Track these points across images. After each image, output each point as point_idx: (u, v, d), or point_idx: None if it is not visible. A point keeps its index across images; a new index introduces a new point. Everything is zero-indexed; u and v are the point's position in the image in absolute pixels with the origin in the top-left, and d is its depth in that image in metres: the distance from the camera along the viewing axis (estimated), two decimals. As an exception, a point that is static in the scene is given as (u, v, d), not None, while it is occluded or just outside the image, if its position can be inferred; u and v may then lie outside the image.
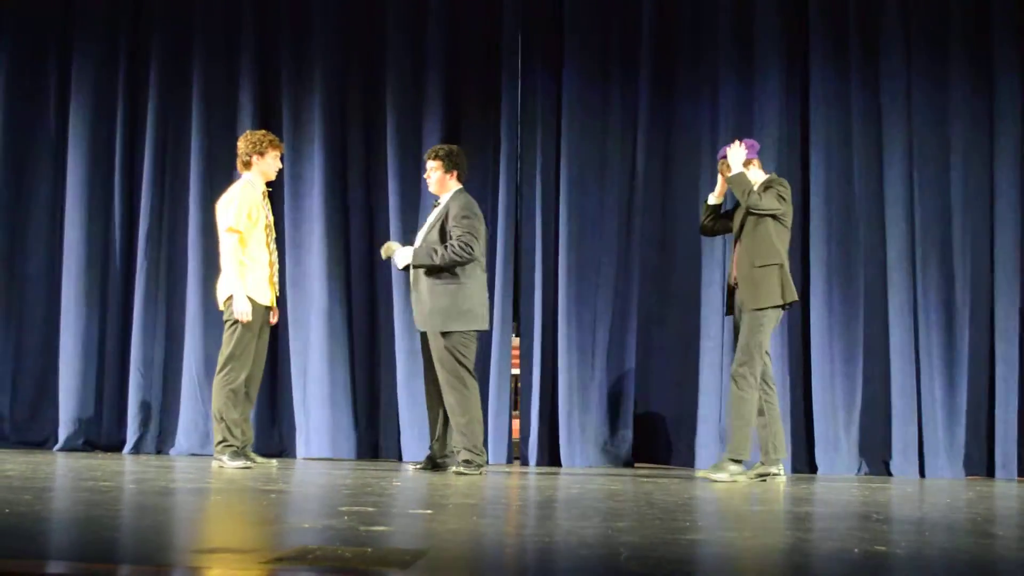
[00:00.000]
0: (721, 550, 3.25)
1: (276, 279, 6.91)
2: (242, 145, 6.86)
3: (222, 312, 6.79)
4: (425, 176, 6.92)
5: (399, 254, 6.71)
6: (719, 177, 6.82)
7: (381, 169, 8.18)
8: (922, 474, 7.57)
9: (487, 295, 6.78)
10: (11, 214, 8.45)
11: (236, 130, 8.11)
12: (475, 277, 6.63)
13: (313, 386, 8.01)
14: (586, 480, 6.30)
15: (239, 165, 6.89)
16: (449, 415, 6.63)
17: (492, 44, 8.21)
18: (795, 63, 7.98)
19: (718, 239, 7.58)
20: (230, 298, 6.65)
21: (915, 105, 7.84)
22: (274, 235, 6.92)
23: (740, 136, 7.05)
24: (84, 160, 8.36)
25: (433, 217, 6.76)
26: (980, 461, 7.67)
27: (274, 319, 7.02)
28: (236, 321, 6.61)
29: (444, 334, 6.55)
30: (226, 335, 6.70)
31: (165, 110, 8.42)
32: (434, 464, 6.77)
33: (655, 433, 7.98)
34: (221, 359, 6.68)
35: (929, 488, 6.39)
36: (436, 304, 6.57)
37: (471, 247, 6.53)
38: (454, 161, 6.77)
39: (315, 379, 8.01)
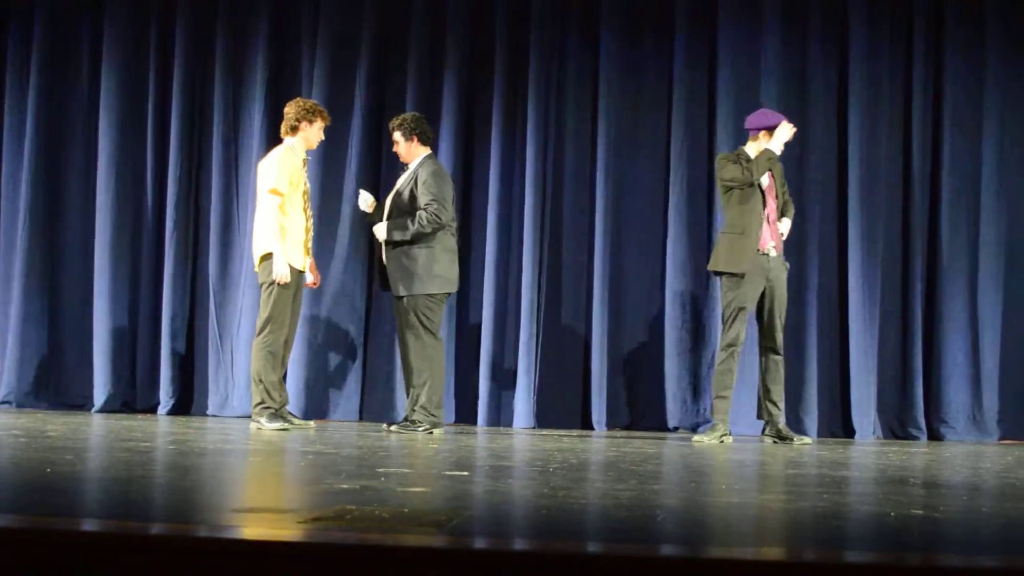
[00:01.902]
0: (756, 512, 3.25)
1: (311, 244, 6.94)
2: (292, 110, 6.86)
3: (256, 274, 6.83)
4: (394, 149, 7.02)
5: (376, 229, 6.86)
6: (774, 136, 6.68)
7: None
8: (933, 437, 7.62)
9: (455, 258, 6.87)
10: (47, 180, 8.48)
11: (256, 96, 8.21)
12: (443, 242, 6.75)
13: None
14: (622, 443, 6.31)
15: (285, 129, 6.88)
16: (406, 375, 6.79)
17: (524, 3, 8.17)
18: (834, 24, 7.91)
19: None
20: (264, 258, 6.67)
21: (952, 66, 7.79)
22: (311, 202, 6.95)
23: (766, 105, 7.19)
24: (116, 126, 8.38)
25: (402, 181, 6.90)
26: (1017, 425, 7.64)
27: (315, 282, 7.08)
28: (272, 283, 6.64)
29: (409, 297, 6.68)
30: (263, 298, 6.72)
31: (191, 75, 8.42)
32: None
33: (686, 397, 7.94)
34: (260, 322, 6.71)
35: (966, 452, 6.36)
36: (403, 268, 6.71)
37: (439, 216, 6.66)
38: (411, 127, 6.89)
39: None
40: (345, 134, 8.18)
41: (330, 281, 8.08)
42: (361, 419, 8.05)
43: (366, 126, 8.20)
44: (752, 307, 6.64)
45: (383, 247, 6.86)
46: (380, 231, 6.82)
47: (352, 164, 8.17)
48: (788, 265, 6.83)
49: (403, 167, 7.00)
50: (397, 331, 6.95)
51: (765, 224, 6.62)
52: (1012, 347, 7.70)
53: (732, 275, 6.58)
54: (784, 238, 6.78)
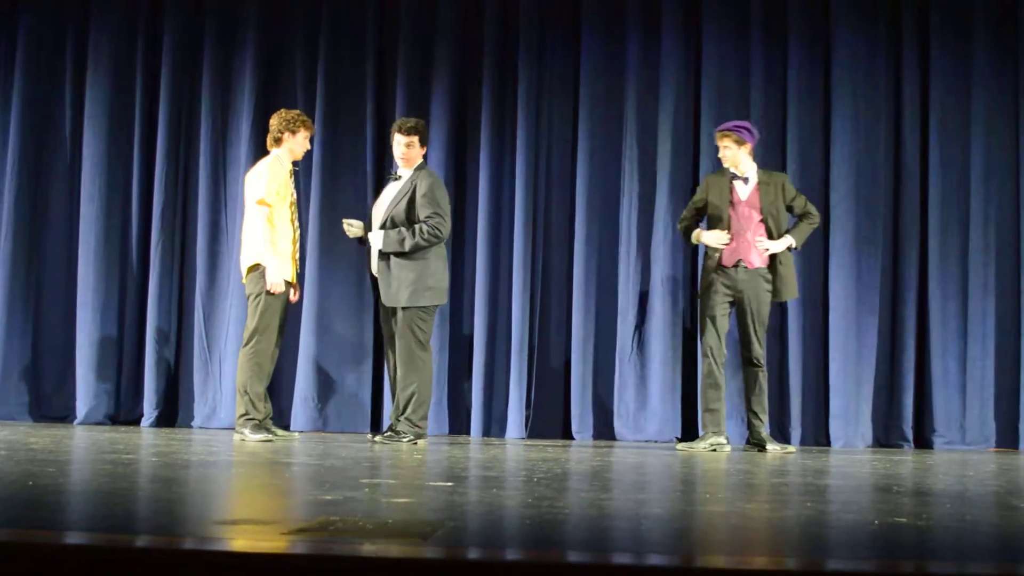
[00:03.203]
0: (740, 521, 3.25)
1: (299, 256, 6.92)
2: (275, 122, 6.85)
3: (244, 285, 6.81)
4: (400, 153, 6.76)
5: (373, 237, 6.71)
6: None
7: (387, 135, 8.12)
8: (922, 446, 7.63)
9: (447, 268, 6.85)
10: (30, 189, 8.45)
11: (243, 106, 8.21)
12: (435, 251, 6.69)
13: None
14: (607, 453, 6.31)
15: (269, 141, 6.87)
16: (397, 384, 6.71)
17: (508, 7, 8.19)
18: (818, 28, 7.95)
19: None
20: (252, 269, 6.65)
21: (939, 72, 7.82)
22: (298, 213, 6.94)
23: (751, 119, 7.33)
24: (101, 135, 8.36)
25: (397, 191, 6.74)
26: (1009, 434, 7.67)
27: (295, 296, 7.03)
28: (260, 294, 6.62)
29: (405, 309, 6.61)
30: (251, 308, 6.70)
31: (179, 84, 8.41)
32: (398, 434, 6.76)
33: (673, 406, 7.93)
34: (247, 333, 6.69)
35: (950, 461, 6.37)
36: (397, 279, 6.62)
37: (439, 230, 6.59)
38: (425, 133, 6.83)
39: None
40: (355, 144, 8.16)
41: (342, 293, 8.07)
42: (374, 431, 7.99)
43: (371, 135, 8.19)
44: (720, 316, 6.77)
45: (373, 256, 6.76)
46: (377, 240, 6.66)
47: (365, 174, 8.15)
48: (770, 277, 6.81)
49: (389, 176, 6.93)
50: (387, 340, 6.91)
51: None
52: (1003, 355, 7.72)
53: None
54: (768, 252, 6.78)
